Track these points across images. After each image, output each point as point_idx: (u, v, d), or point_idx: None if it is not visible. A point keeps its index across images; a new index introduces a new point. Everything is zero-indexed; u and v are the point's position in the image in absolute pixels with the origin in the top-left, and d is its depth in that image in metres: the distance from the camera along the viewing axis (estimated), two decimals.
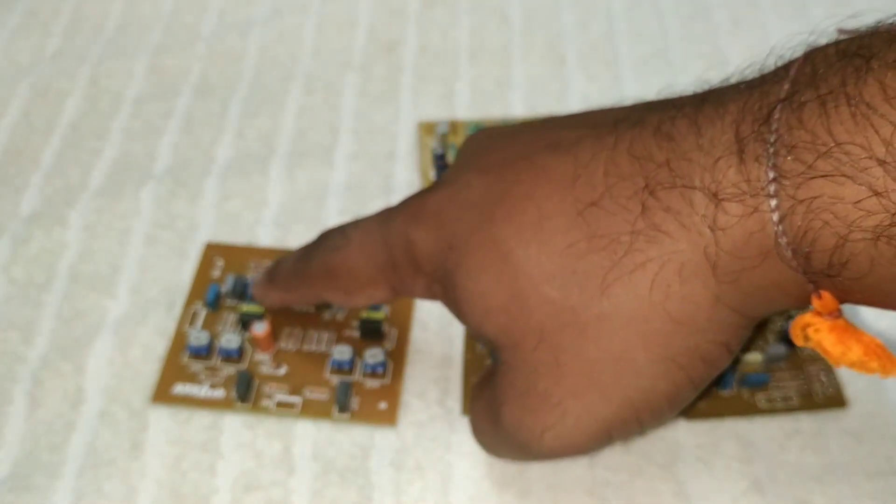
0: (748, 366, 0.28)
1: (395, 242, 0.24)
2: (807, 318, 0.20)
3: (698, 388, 0.22)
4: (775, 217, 0.18)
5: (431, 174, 0.34)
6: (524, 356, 0.21)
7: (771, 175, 0.18)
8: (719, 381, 0.27)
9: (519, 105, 0.38)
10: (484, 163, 0.23)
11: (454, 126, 0.36)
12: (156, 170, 0.35)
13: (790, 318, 0.29)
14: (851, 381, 0.28)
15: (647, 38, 0.41)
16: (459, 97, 0.38)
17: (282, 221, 0.33)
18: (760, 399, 0.27)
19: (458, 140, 0.35)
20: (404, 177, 0.35)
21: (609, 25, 0.41)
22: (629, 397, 0.21)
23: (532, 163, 0.22)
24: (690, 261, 0.20)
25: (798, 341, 0.20)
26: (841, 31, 0.19)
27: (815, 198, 0.17)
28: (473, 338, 0.29)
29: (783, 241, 0.18)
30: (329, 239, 0.26)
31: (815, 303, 0.19)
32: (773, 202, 0.18)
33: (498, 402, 0.23)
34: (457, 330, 0.30)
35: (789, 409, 0.27)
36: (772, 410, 0.27)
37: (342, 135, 0.36)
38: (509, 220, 0.21)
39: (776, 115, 0.18)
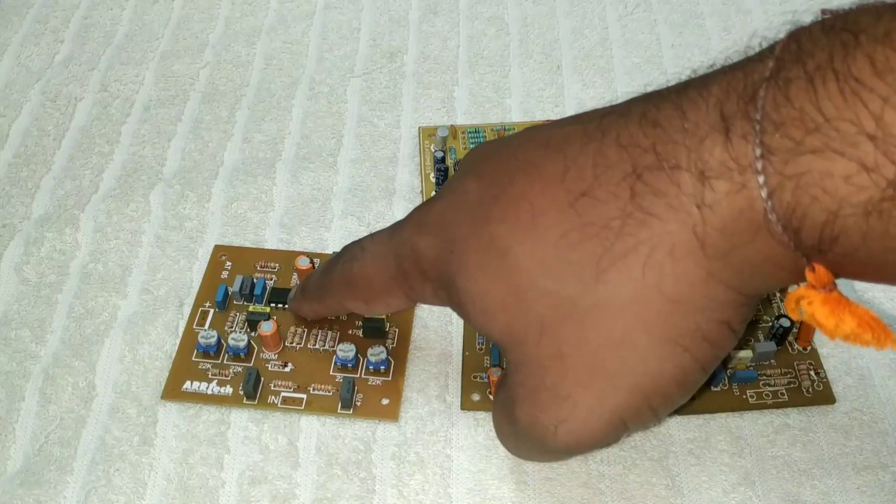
0: (739, 362, 0.28)
1: (403, 252, 0.24)
2: (801, 290, 0.19)
3: (706, 370, 0.22)
4: (763, 193, 0.18)
5: (432, 177, 0.35)
6: (529, 352, 0.21)
7: (758, 152, 0.18)
8: (711, 377, 0.28)
9: (516, 110, 0.38)
10: (480, 169, 0.23)
11: (454, 130, 0.37)
12: (165, 173, 0.36)
13: (780, 317, 0.29)
14: (839, 377, 0.29)
15: (640, 46, 0.41)
16: (459, 103, 0.39)
17: (287, 223, 0.34)
18: (750, 395, 0.28)
19: (457, 144, 0.36)
20: (406, 180, 0.35)
21: (603, 33, 0.42)
22: (637, 383, 0.21)
23: (525, 163, 0.22)
24: (681, 241, 0.19)
25: (793, 315, 0.20)
26: (825, 12, 0.19)
27: (804, 174, 0.17)
28: (483, 338, 0.30)
29: (773, 217, 0.18)
30: (347, 252, 0.27)
31: (809, 276, 0.19)
32: (761, 178, 0.18)
33: (511, 403, 0.23)
34: (456, 328, 0.30)
35: (778, 405, 0.28)
36: (761, 406, 0.28)
37: (345, 139, 0.37)
38: (505, 219, 0.21)
39: (761, 93, 0.18)
